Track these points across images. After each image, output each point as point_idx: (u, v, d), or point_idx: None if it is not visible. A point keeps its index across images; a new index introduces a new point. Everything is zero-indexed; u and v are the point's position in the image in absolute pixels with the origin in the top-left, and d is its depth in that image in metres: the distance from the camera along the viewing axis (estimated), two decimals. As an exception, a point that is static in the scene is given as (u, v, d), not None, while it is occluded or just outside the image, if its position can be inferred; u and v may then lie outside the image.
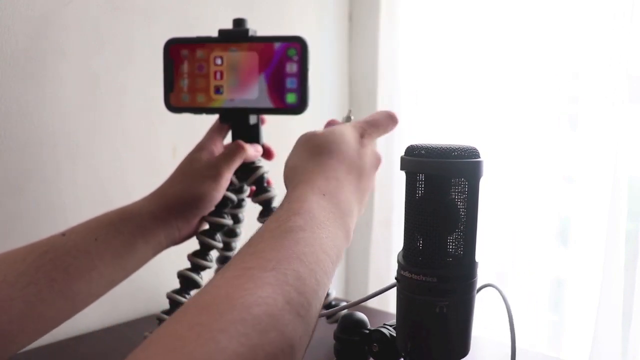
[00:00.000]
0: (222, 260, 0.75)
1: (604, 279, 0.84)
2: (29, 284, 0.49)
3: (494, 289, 0.43)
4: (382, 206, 1.14)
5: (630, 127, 0.82)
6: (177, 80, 0.66)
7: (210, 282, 0.36)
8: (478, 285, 0.41)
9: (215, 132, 0.66)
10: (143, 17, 0.82)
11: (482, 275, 0.41)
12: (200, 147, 0.65)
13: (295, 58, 0.62)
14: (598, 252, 0.85)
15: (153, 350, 0.30)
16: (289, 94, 0.63)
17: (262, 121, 0.69)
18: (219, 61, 0.64)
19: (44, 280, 0.50)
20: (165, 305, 0.64)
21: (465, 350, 0.40)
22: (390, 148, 1.11)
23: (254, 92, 0.64)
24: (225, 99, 0.65)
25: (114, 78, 0.80)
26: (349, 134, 0.53)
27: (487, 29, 0.99)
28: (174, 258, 0.88)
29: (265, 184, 0.67)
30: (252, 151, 0.65)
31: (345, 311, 0.60)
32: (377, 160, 0.55)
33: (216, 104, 0.65)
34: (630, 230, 0.83)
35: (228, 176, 0.62)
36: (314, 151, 0.50)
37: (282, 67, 0.63)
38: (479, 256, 0.40)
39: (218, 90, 0.65)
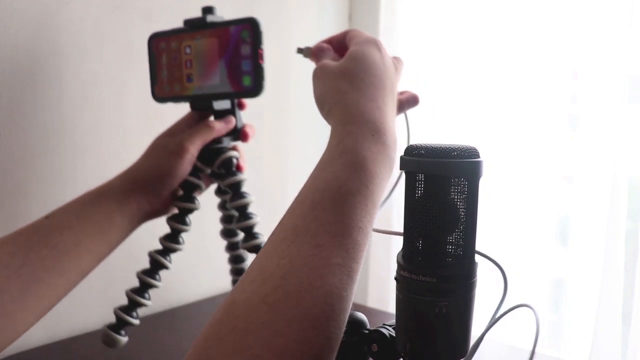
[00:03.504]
0: (235, 260, 0.74)
1: (603, 279, 0.84)
2: (23, 265, 0.53)
3: (529, 309, 0.44)
4: (382, 206, 1.13)
5: (630, 127, 0.82)
6: (159, 71, 0.68)
7: (287, 252, 0.38)
8: (513, 304, 0.42)
9: (188, 118, 0.68)
10: (143, 17, 0.82)
11: (482, 275, 0.41)
12: (170, 130, 0.67)
13: (248, 40, 0.61)
14: (598, 252, 0.85)
15: (253, 339, 0.34)
16: (244, 77, 0.62)
17: (242, 106, 0.68)
18: (188, 50, 0.65)
19: (35, 260, 0.53)
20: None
21: (465, 350, 0.40)
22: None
23: (217, 78, 0.64)
24: (195, 87, 0.66)
25: (114, 78, 0.80)
26: (371, 52, 0.52)
27: (487, 29, 0.99)
28: (173, 260, 0.88)
29: (234, 169, 0.66)
30: (219, 125, 0.65)
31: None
32: (398, 62, 0.55)
33: (189, 92, 0.66)
34: (630, 230, 0.83)
35: (193, 151, 0.63)
36: (353, 82, 0.50)
37: (237, 50, 0.62)
38: (478, 256, 0.40)
39: (189, 78, 0.66)
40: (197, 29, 0.65)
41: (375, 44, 0.53)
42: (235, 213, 0.66)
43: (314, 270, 0.37)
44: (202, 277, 0.94)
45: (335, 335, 0.37)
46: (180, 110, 0.71)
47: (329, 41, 0.60)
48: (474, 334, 0.41)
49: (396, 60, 0.55)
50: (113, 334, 0.64)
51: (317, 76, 0.53)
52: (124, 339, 0.64)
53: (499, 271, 0.44)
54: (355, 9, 1.19)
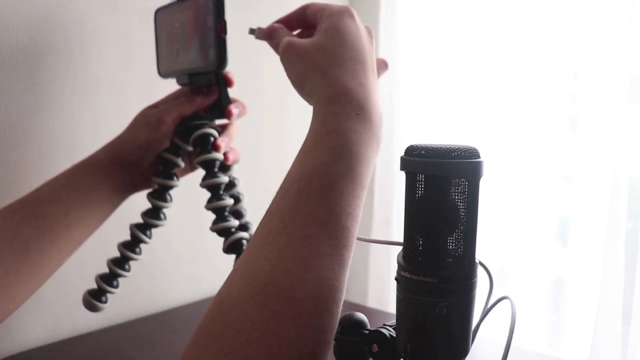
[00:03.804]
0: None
1: (603, 279, 0.84)
2: (15, 237, 0.54)
3: (508, 300, 0.43)
4: (382, 206, 1.13)
5: (630, 127, 0.82)
6: (161, 47, 0.68)
7: (275, 246, 0.38)
8: (496, 297, 0.43)
9: (176, 93, 0.68)
10: (143, 17, 0.82)
11: (482, 275, 0.41)
12: (155, 103, 0.67)
13: (212, 10, 0.59)
14: (598, 252, 0.85)
15: (245, 339, 0.33)
16: (210, 50, 0.60)
17: (229, 83, 0.66)
18: (177, 24, 0.64)
19: (26, 231, 0.54)
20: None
21: (465, 351, 0.40)
22: (390, 148, 1.11)
23: (193, 52, 0.62)
24: (181, 61, 0.65)
25: (114, 78, 0.80)
26: (347, 24, 0.49)
27: (487, 29, 0.99)
28: (173, 260, 0.88)
29: (210, 146, 0.64)
30: (199, 99, 0.64)
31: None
32: (370, 33, 0.52)
33: (176, 67, 0.65)
34: (630, 230, 0.83)
35: (169, 122, 0.63)
36: (333, 58, 0.47)
37: (204, 22, 0.60)
38: (478, 256, 0.39)
39: (177, 53, 0.65)
40: (183, 2, 0.63)
41: (349, 14, 0.50)
42: (239, 208, 0.64)
43: (304, 263, 0.36)
44: (202, 277, 0.94)
45: (329, 328, 0.36)
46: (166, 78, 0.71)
47: (284, 20, 0.57)
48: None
49: (368, 29, 0.53)
50: (92, 299, 0.64)
51: (288, 54, 0.50)
52: (103, 305, 0.65)
53: (499, 272, 0.44)
54: (355, 9, 1.18)
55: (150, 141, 0.62)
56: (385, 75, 0.58)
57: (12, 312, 0.55)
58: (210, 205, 0.63)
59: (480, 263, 0.42)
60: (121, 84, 0.81)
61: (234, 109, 0.65)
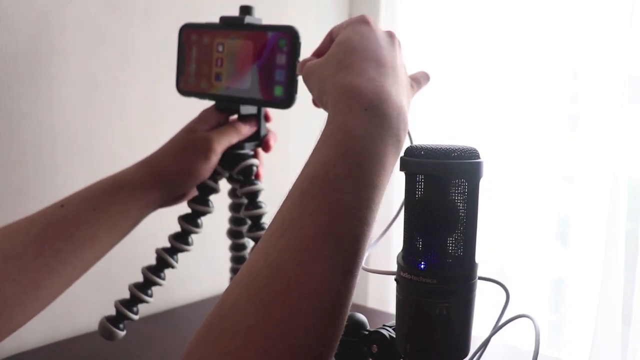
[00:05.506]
0: (237, 261, 0.73)
1: (603, 279, 0.84)
2: (37, 256, 0.52)
3: (529, 319, 0.43)
4: (382, 206, 1.13)
5: (630, 127, 0.82)
6: (187, 64, 0.66)
7: (275, 248, 0.37)
8: (513, 314, 0.43)
9: (213, 114, 0.66)
10: (143, 16, 0.82)
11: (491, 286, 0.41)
12: (191, 127, 0.64)
13: (285, 49, 0.59)
14: (598, 252, 0.85)
15: (240, 342, 0.33)
16: (277, 87, 0.60)
17: (267, 118, 0.68)
18: (220, 48, 0.64)
19: (50, 252, 0.53)
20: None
21: (465, 352, 0.40)
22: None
23: (247, 82, 0.62)
24: (223, 87, 0.64)
25: (114, 78, 0.80)
26: (356, 30, 0.49)
27: (487, 29, 0.99)
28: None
29: (253, 177, 0.65)
30: (247, 129, 0.64)
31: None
32: (391, 36, 0.51)
33: (215, 91, 0.65)
34: (630, 230, 0.83)
35: (219, 152, 0.62)
36: (339, 63, 0.47)
37: (272, 57, 0.60)
38: (478, 257, 0.39)
39: (218, 77, 0.64)
40: (233, 28, 0.63)
41: (362, 21, 0.50)
42: (248, 220, 0.64)
43: (302, 265, 0.35)
44: (202, 277, 0.94)
45: (330, 335, 0.35)
46: (181, 109, 0.71)
47: (318, 51, 0.57)
48: (475, 336, 0.41)
49: (390, 33, 0.52)
50: (111, 326, 0.62)
51: (307, 77, 0.52)
52: (121, 333, 0.63)
53: (499, 272, 0.44)
54: (355, 9, 1.19)
55: (200, 170, 0.61)
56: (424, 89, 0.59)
57: (24, 325, 0.54)
58: (251, 234, 0.64)
59: (498, 282, 0.42)
60: (121, 84, 0.81)
61: (272, 142, 0.66)
